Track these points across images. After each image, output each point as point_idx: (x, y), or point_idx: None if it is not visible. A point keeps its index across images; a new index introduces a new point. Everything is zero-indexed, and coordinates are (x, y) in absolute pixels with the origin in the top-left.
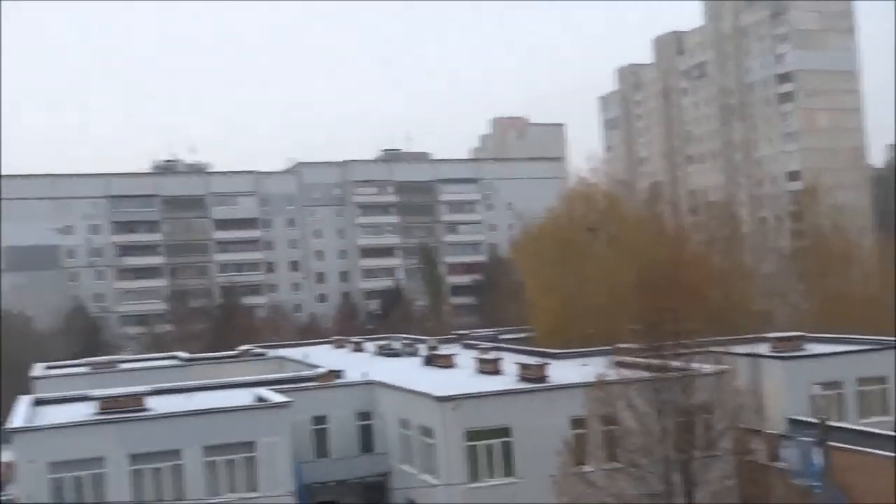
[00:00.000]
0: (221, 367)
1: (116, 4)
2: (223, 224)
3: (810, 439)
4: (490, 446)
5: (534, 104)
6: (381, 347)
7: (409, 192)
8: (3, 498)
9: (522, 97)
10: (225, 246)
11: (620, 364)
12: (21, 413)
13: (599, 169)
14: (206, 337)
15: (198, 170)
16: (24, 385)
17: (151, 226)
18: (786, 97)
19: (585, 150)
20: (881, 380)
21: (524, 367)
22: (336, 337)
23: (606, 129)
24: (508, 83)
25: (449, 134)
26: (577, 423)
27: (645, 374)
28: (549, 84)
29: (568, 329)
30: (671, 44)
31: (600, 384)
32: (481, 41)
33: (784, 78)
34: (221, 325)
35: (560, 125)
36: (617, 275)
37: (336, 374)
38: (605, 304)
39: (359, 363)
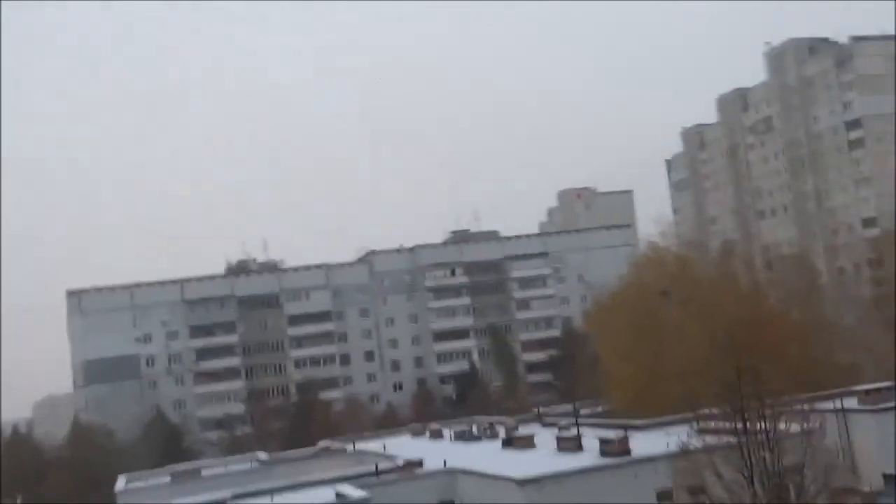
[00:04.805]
0: (301, 465)
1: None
2: (297, 319)
3: None
4: None
5: (600, 173)
6: (459, 432)
7: (479, 271)
8: None
9: (588, 167)
10: (300, 341)
11: (704, 431)
12: None
13: (669, 232)
14: (285, 435)
15: (270, 268)
16: (109, 498)
17: (227, 327)
18: (856, 144)
19: (654, 214)
20: None
21: (606, 442)
22: (413, 424)
23: (674, 191)
24: (574, 155)
25: (518, 211)
26: (664, 495)
27: (731, 440)
28: (615, 152)
29: (647, 398)
30: (735, 101)
31: (685, 454)
32: (540, 115)
33: (853, 125)
34: (299, 421)
35: (628, 192)
36: (694, 338)
37: (415, 463)
38: (683, 369)
39: (438, 450)
